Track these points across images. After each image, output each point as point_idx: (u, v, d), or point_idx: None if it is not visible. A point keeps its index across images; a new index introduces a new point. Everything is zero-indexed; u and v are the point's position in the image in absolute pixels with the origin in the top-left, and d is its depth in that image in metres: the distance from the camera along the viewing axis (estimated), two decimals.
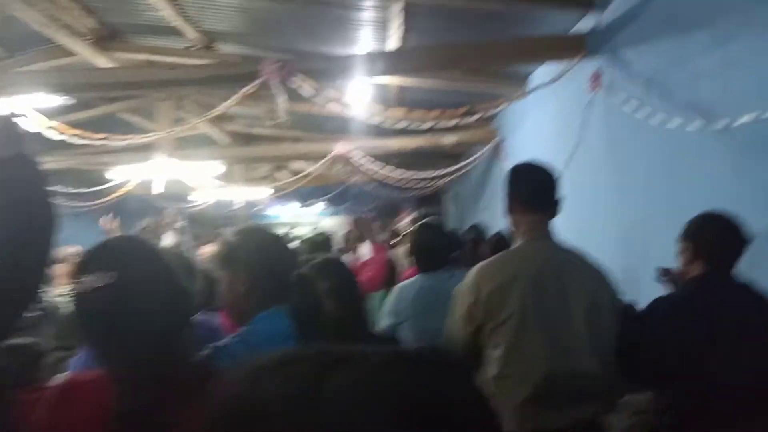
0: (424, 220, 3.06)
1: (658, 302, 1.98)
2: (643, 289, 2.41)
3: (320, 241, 6.14)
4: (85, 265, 1.05)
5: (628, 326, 1.90)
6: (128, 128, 6.53)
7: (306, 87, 3.82)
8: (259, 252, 1.43)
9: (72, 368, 1.87)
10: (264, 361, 0.43)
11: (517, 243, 1.94)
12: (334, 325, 1.38)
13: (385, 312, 2.60)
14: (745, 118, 2.12)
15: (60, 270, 4.39)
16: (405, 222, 13.14)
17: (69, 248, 4.50)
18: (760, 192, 2.16)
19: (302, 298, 1.37)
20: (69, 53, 4.89)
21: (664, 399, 1.96)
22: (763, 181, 2.15)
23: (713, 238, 1.93)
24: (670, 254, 2.11)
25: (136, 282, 1.02)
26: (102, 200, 7.02)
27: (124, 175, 5.87)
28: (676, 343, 1.85)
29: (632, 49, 3.24)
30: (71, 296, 1.05)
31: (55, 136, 4.34)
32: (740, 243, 1.91)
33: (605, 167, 3.60)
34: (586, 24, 3.78)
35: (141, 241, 1.14)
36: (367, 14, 4.31)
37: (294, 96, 4.17)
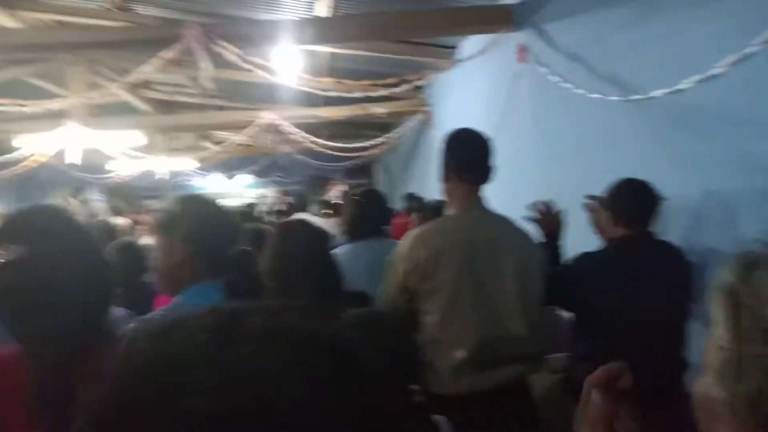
0: (364, 189, 3.06)
1: (585, 257, 2.10)
2: (570, 250, 2.54)
3: (247, 213, 6.03)
4: None
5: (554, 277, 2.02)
6: (37, 94, 6.08)
7: (230, 53, 3.68)
8: (200, 222, 1.38)
9: None
10: (168, 319, 0.40)
11: (449, 211, 1.97)
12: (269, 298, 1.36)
13: None
14: (659, 92, 2.24)
15: None
16: (334, 193, 13.10)
17: None
18: (674, 158, 2.31)
19: (240, 273, 1.34)
20: None
21: (579, 357, 2.08)
22: (677, 147, 2.30)
23: (629, 202, 2.08)
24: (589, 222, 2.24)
25: (50, 256, 0.96)
26: (10, 170, 6.55)
27: (33, 144, 5.47)
28: (597, 299, 1.99)
29: (557, 23, 3.33)
30: None
31: None
32: (653, 204, 2.07)
33: (532, 137, 3.72)
34: None
35: (56, 211, 1.06)
36: None
37: (218, 62, 4.01)
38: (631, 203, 2.08)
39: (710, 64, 1.93)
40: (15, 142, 5.39)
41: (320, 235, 1.79)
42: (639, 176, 2.12)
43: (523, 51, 3.62)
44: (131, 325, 1.27)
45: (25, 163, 6.28)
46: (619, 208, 2.09)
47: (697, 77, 2.00)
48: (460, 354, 1.81)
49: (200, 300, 1.28)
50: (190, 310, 0.41)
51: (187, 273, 1.34)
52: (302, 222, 2.07)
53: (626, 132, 2.66)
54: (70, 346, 0.96)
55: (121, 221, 4.72)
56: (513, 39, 3.75)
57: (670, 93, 2.17)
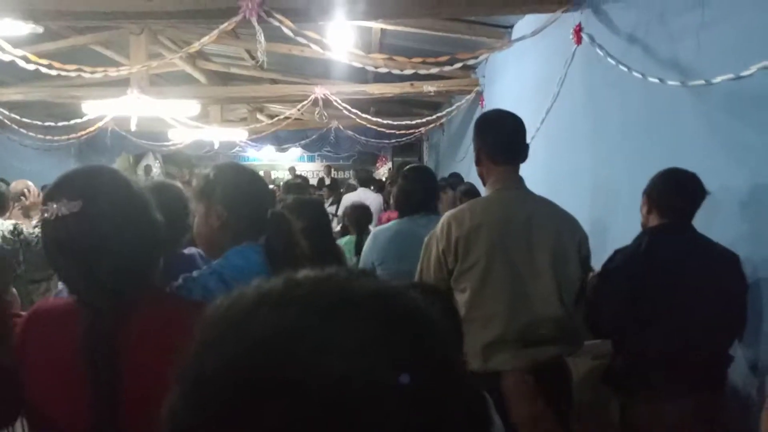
0: (412, 165, 3.05)
1: (615, 254, 2.06)
2: (611, 241, 2.50)
3: (296, 185, 6.18)
4: (52, 193, 1.04)
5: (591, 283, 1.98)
6: (100, 61, 6.32)
7: (285, 26, 3.73)
8: (237, 187, 1.44)
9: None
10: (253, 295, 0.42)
11: (487, 192, 1.98)
12: (307, 262, 1.41)
13: (363, 254, 2.66)
14: (721, 77, 2.16)
15: (29, 203, 4.35)
16: (381, 169, 13.12)
17: (21, 183, 4.44)
18: (732, 149, 2.22)
19: (277, 234, 1.39)
20: None
21: (619, 346, 2.06)
22: (736, 138, 2.21)
23: (666, 191, 2.02)
24: (638, 208, 2.19)
25: (102, 211, 1.02)
26: (75, 135, 6.86)
27: (97, 110, 5.71)
28: (627, 293, 1.93)
29: (616, 3, 3.22)
30: (39, 224, 1.06)
31: (28, 66, 4.18)
32: (693, 196, 1.99)
33: (583, 120, 3.64)
34: None
35: (111, 171, 1.12)
36: None
37: (273, 36, 4.07)
38: (668, 192, 2.01)
39: None
40: (84, 107, 5.62)
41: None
42: (692, 166, 2.05)
43: (579, 32, 3.53)
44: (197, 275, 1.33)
45: (90, 129, 6.55)
46: (655, 196, 2.04)
47: (762, 63, 1.92)
48: (490, 332, 1.83)
49: (240, 261, 1.34)
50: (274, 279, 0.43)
51: (226, 236, 1.39)
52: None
53: (682, 118, 2.57)
54: (119, 297, 1.02)
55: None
56: (570, 19, 3.66)
57: (733, 79, 2.10)
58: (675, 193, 2.00)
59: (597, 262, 2.12)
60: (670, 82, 2.53)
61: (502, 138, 1.95)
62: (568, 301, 1.88)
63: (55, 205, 1.01)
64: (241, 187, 1.44)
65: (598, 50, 3.24)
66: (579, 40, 3.54)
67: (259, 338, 0.39)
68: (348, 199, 5.83)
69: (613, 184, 3.25)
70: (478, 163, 1.98)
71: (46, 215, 1.02)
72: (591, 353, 2.24)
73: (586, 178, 3.58)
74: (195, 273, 1.35)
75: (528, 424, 0.85)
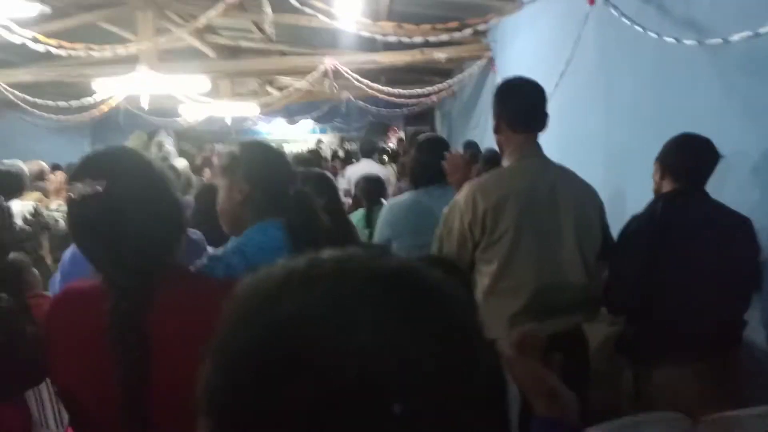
0: (426, 136, 2.95)
1: (631, 221, 2.04)
2: (627, 208, 2.48)
3: (309, 158, 6.15)
4: (77, 172, 1.06)
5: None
6: (108, 39, 6.30)
7: None
8: (260, 164, 1.45)
9: (51, 287, 1.92)
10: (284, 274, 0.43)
11: (506, 161, 1.96)
12: (326, 237, 1.42)
13: (378, 227, 2.65)
14: (738, 36, 2.10)
15: (51, 185, 4.41)
16: (393, 140, 13.05)
17: (36, 164, 4.48)
18: (748, 110, 2.18)
19: (300, 212, 1.40)
20: None
21: (633, 314, 2.06)
22: (752, 99, 2.17)
23: (679, 155, 1.99)
24: (651, 174, 2.16)
25: (126, 191, 1.03)
26: (87, 114, 6.89)
27: (107, 89, 5.71)
28: (644, 257, 1.92)
29: None
30: (64, 203, 1.07)
31: (37, 46, 4.18)
32: (706, 160, 1.96)
33: (596, 85, 3.58)
34: None
35: (132, 152, 1.13)
36: None
37: (279, 7, 4.03)
38: (681, 157, 1.99)
39: None
40: (94, 86, 5.63)
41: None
42: (706, 129, 2.01)
43: None
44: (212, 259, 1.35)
45: (102, 107, 6.57)
46: (668, 161, 2.02)
47: None
48: (518, 302, 1.83)
49: (262, 238, 1.35)
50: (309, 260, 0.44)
51: (249, 212, 1.40)
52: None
53: (697, 80, 2.52)
54: (144, 274, 1.03)
55: (180, 164, 4.92)
56: None
57: (751, 37, 2.04)
58: (688, 158, 1.98)
59: (611, 228, 2.11)
60: (687, 42, 2.47)
61: (523, 105, 1.92)
62: (591, 267, 1.88)
63: (80, 185, 1.02)
64: (264, 163, 1.45)
65: (612, 10, 3.15)
66: (592, 1, 3.46)
67: (288, 315, 0.40)
68: (351, 171, 5.74)
69: (626, 149, 3.21)
70: (497, 131, 1.96)
71: (71, 195, 1.04)
72: (607, 319, 2.25)
73: (600, 143, 3.54)
74: (219, 251, 1.38)
75: (528, 383, 0.85)
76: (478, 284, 1.88)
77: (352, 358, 0.38)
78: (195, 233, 1.79)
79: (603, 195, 2.05)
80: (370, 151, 6.17)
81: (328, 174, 2.52)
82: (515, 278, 1.84)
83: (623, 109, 3.23)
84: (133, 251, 1.03)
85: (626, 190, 3.10)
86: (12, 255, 2.61)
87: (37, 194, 4.30)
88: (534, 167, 1.91)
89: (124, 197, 1.03)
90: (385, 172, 5.93)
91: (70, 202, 1.05)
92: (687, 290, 1.86)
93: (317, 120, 10.06)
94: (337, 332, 0.39)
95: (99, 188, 1.01)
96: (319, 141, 13.16)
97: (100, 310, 1.01)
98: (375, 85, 6.94)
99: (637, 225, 1.98)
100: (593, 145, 3.60)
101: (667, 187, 2.01)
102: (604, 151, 3.48)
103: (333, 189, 2.30)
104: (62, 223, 3.93)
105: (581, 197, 1.90)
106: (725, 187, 2.06)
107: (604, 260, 2.00)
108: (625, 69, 3.20)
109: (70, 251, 1.78)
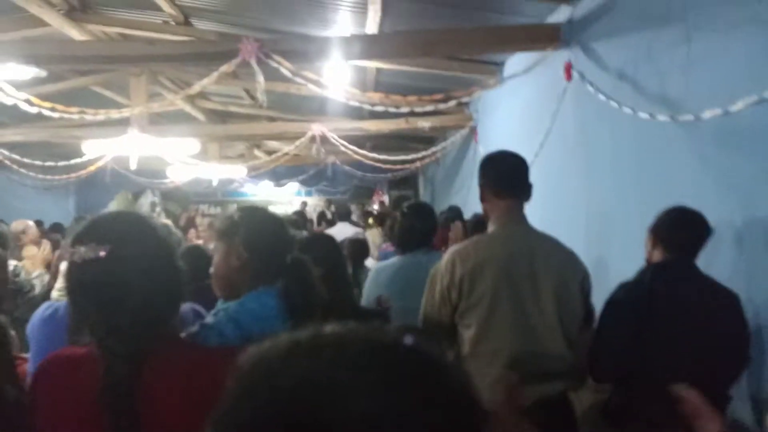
0: (412, 202, 3.07)
1: (619, 288, 2.07)
2: (608, 277, 2.53)
3: (295, 221, 6.21)
4: (80, 236, 1.05)
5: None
6: (100, 102, 6.42)
7: (284, 68, 3.82)
8: (260, 231, 1.46)
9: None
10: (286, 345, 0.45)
11: (490, 228, 2.02)
12: (324, 305, 1.43)
13: (366, 289, 2.67)
14: (710, 113, 2.22)
15: (28, 251, 4.36)
16: (378, 203, 13.19)
17: (21, 224, 4.46)
18: (722, 181, 2.27)
19: (296, 281, 1.40)
20: (42, 23, 4.78)
21: (619, 382, 2.06)
22: (726, 171, 2.26)
23: (672, 227, 2.03)
24: (635, 243, 2.22)
25: (130, 259, 1.03)
26: (75, 174, 6.92)
27: (98, 150, 5.78)
28: (631, 326, 1.92)
29: (605, 41, 3.32)
30: (70, 263, 1.05)
31: (30, 108, 4.25)
32: (698, 234, 2.00)
33: (575, 156, 3.71)
34: (560, 14, 3.85)
35: (138, 217, 1.13)
36: None
37: (270, 75, 4.17)
38: (674, 229, 2.03)
39: (763, 85, 1.91)
40: (83, 147, 5.69)
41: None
42: (683, 200, 2.08)
43: (570, 69, 3.63)
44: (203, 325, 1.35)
45: (90, 168, 6.61)
46: (661, 234, 2.05)
47: (750, 99, 1.97)
48: (496, 368, 1.84)
49: (256, 307, 1.35)
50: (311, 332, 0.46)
51: (244, 277, 1.41)
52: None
53: (673, 153, 2.63)
54: (140, 342, 1.02)
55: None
56: (560, 57, 3.76)
57: (721, 115, 2.15)
58: (681, 230, 2.01)
59: (595, 292, 2.13)
60: (660, 117, 2.59)
61: (505, 172, 2.01)
62: (570, 336, 1.90)
63: (83, 249, 1.02)
64: (264, 230, 1.46)
65: (589, 87, 3.32)
66: (569, 77, 3.64)
67: (293, 386, 0.42)
68: (329, 233, 5.89)
69: (607, 217, 3.30)
70: (482, 199, 2.03)
71: (74, 258, 1.03)
72: (593, 386, 2.24)
73: (581, 210, 3.63)
74: (210, 319, 1.36)
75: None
76: (460, 349, 1.90)
77: (356, 424, 0.40)
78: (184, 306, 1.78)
79: (586, 261, 2.09)
80: (345, 214, 6.54)
81: (334, 238, 2.54)
82: (492, 343, 1.86)
83: (603, 178, 3.34)
84: (131, 319, 1.01)
85: (608, 256, 3.17)
86: None
87: (30, 255, 4.25)
88: (515, 234, 1.96)
89: (128, 264, 1.02)
90: (369, 234, 6.11)
91: (71, 266, 1.05)
92: (673, 361, 1.86)
93: (303, 183, 10.16)
94: (341, 399, 0.41)
95: (102, 253, 1.01)
96: (304, 203, 13.26)
97: (90, 376, 0.99)
98: (361, 151, 7.10)
99: (625, 293, 2.00)
100: (574, 212, 3.69)
101: (657, 257, 2.04)
102: (586, 218, 3.57)
103: (338, 254, 2.32)
104: (37, 292, 3.88)
105: (562, 266, 1.94)
106: (704, 254, 2.11)
107: (586, 328, 2.02)
108: (604, 140, 3.33)
109: (39, 315, 1.77)
